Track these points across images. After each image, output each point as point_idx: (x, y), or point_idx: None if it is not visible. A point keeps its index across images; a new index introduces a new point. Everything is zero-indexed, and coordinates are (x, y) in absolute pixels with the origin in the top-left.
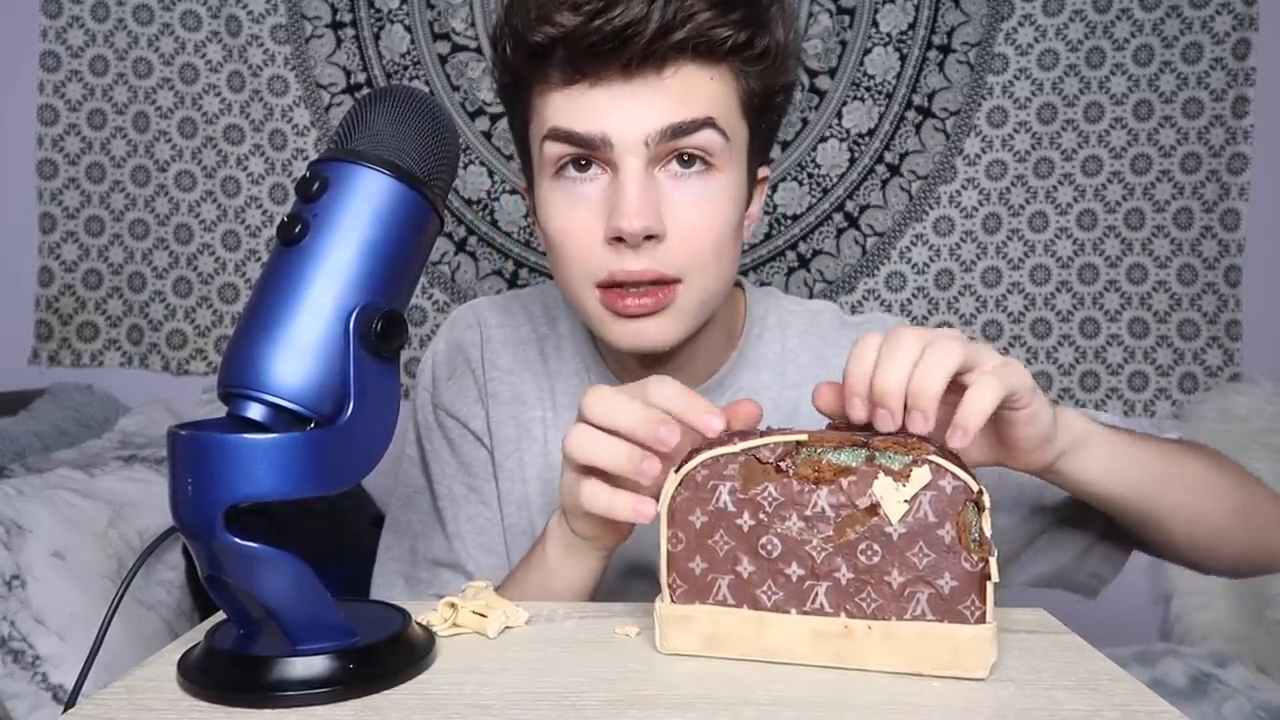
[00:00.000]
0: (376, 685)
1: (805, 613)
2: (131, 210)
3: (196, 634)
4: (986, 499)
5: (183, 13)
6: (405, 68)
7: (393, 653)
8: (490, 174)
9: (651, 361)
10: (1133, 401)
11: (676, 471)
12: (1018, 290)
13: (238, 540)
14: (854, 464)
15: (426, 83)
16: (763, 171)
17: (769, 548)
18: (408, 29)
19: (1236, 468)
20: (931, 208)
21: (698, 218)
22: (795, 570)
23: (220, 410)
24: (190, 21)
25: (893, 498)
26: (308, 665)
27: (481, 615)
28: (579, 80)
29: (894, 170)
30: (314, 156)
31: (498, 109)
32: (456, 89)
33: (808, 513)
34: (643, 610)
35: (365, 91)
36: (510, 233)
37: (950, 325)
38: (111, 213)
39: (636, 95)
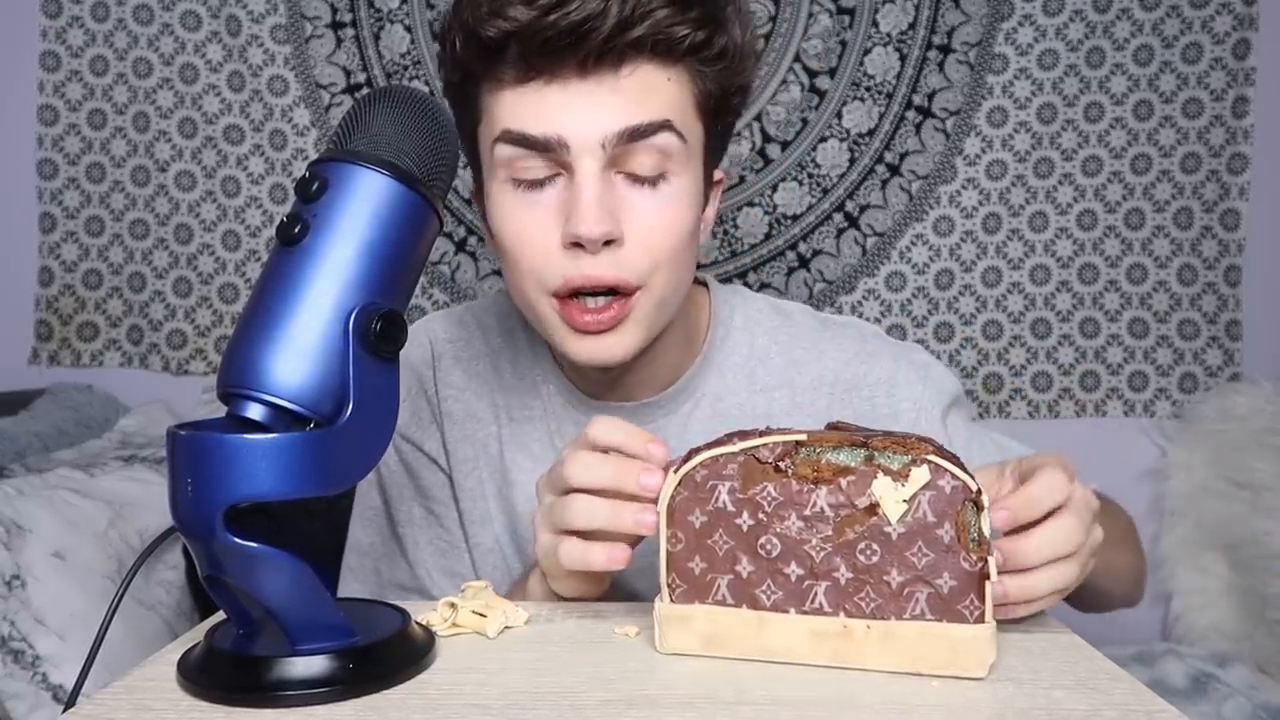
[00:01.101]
0: (376, 685)
1: (804, 612)
2: (131, 210)
3: (196, 634)
4: (985, 498)
5: (183, 13)
6: (405, 68)
7: (393, 653)
8: None
9: (610, 370)
10: (1133, 401)
11: (676, 471)
12: (1018, 290)
13: (237, 540)
14: (853, 464)
15: (426, 83)
16: (717, 174)
17: (768, 547)
18: (408, 29)
19: (1135, 533)
20: (931, 208)
21: (656, 222)
22: (794, 570)
23: (220, 410)
24: (190, 21)
25: (891, 497)
26: (308, 665)
27: (481, 615)
28: (534, 78)
29: (894, 170)
30: (314, 156)
31: None
32: None
33: (807, 512)
34: (642, 610)
35: (365, 91)
36: None
37: (950, 325)
38: (111, 213)
39: (593, 94)
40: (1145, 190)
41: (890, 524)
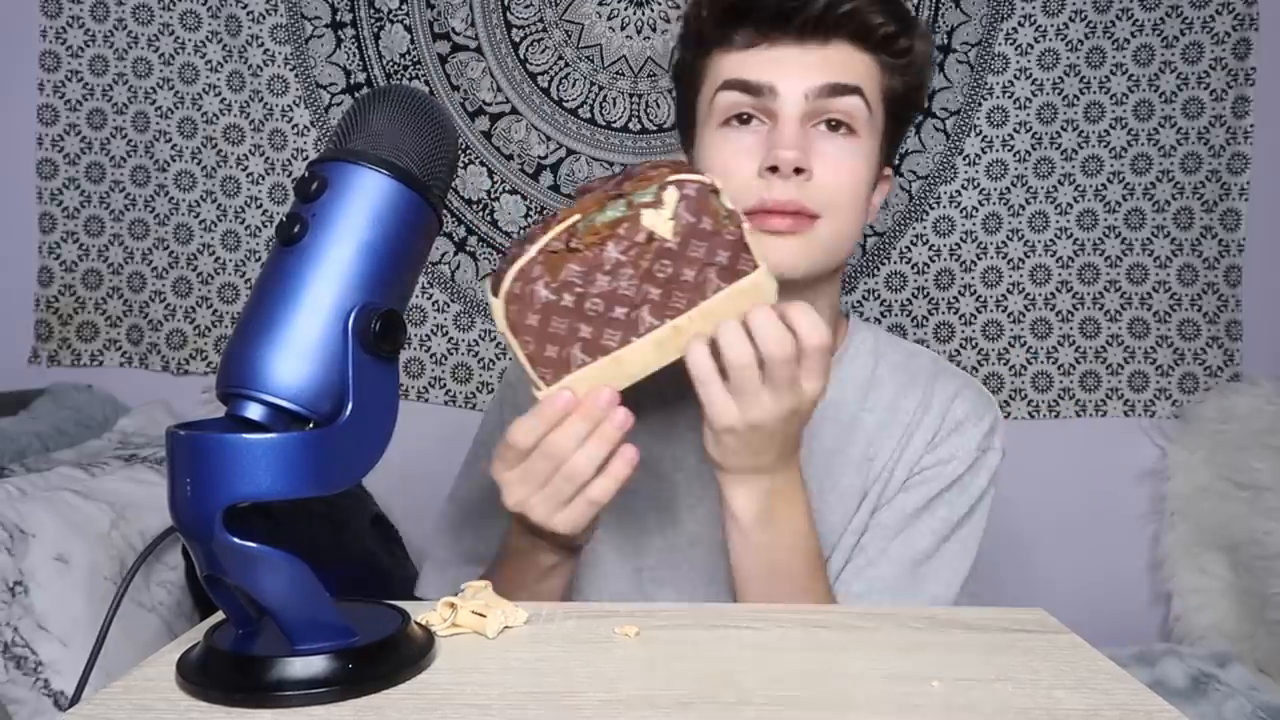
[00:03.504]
0: (376, 685)
1: (641, 335)
2: (131, 210)
3: (196, 634)
4: (718, 181)
5: (183, 13)
6: (405, 68)
7: (392, 653)
8: (490, 174)
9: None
10: (1133, 401)
11: (496, 297)
12: (1018, 290)
13: (236, 540)
14: (621, 214)
15: (426, 83)
16: (886, 170)
17: (595, 307)
18: (408, 29)
19: (819, 588)
20: (931, 208)
21: (840, 166)
22: (620, 311)
23: (220, 410)
24: (190, 21)
25: (660, 221)
26: (307, 665)
27: (481, 615)
28: (758, 43)
29: (894, 170)
30: (314, 156)
31: (498, 109)
32: (456, 89)
33: (607, 268)
34: (643, 610)
35: (365, 91)
36: (510, 233)
37: (950, 325)
38: (111, 213)
39: (803, 56)
40: (1145, 190)
41: (669, 240)
